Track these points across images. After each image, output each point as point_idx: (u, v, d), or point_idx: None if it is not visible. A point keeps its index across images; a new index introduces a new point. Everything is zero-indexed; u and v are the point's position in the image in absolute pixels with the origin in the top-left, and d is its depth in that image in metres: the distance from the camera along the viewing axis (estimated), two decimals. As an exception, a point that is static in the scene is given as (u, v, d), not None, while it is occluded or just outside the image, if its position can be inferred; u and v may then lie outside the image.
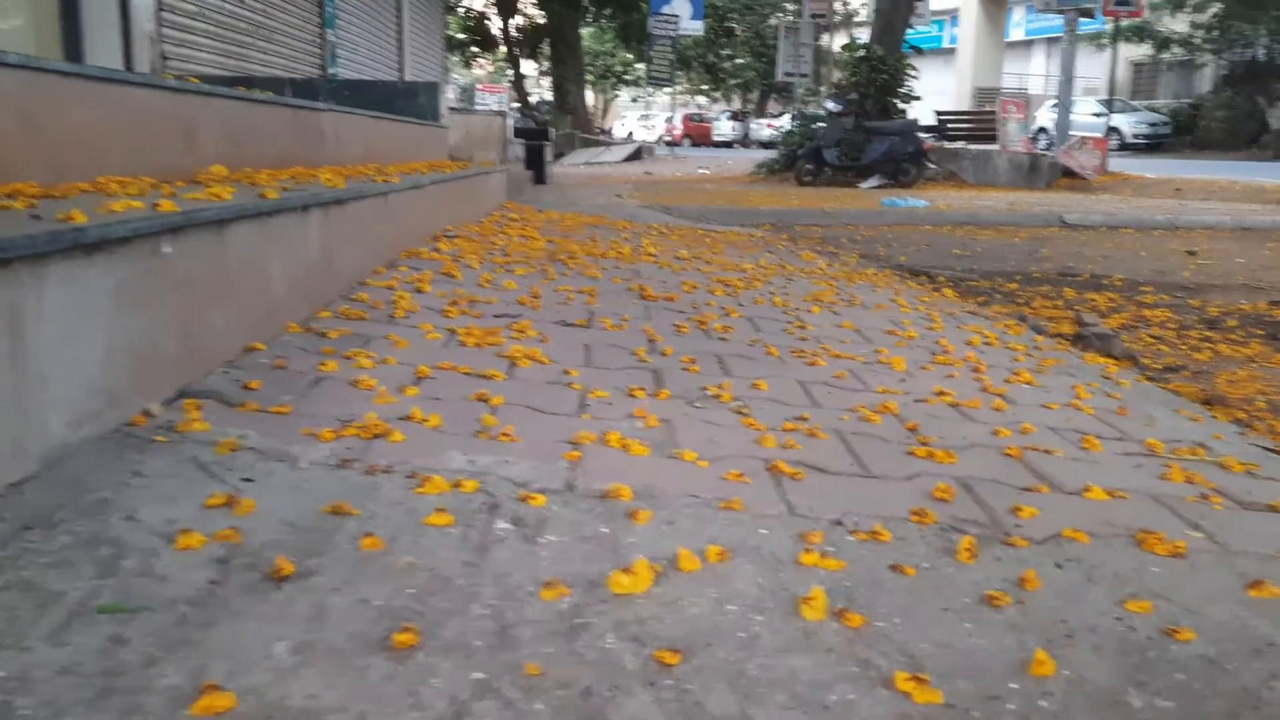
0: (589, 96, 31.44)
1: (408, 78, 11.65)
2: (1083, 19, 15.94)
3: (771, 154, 17.67)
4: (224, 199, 1.72)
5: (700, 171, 19.11)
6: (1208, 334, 3.87)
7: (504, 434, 1.53)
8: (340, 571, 1.09)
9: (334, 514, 1.20)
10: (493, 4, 25.70)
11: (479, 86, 36.21)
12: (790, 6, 29.64)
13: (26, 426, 1.12)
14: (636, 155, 22.65)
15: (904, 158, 14.61)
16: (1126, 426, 1.97)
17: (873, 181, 14.31)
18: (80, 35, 5.04)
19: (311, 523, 1.18)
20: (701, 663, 1.02)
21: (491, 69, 39.79)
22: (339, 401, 1.59)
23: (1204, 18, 24.29)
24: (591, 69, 35.34)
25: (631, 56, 33.65)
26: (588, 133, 24.57)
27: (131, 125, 2.13)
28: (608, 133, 32.48)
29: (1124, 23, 20.48)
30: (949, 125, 18.10)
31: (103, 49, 5.07)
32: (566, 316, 2.52)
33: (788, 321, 2.81)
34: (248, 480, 1.25)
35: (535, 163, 12.36)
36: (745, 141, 33.74)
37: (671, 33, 20.39)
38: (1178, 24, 24.83)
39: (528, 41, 27.22)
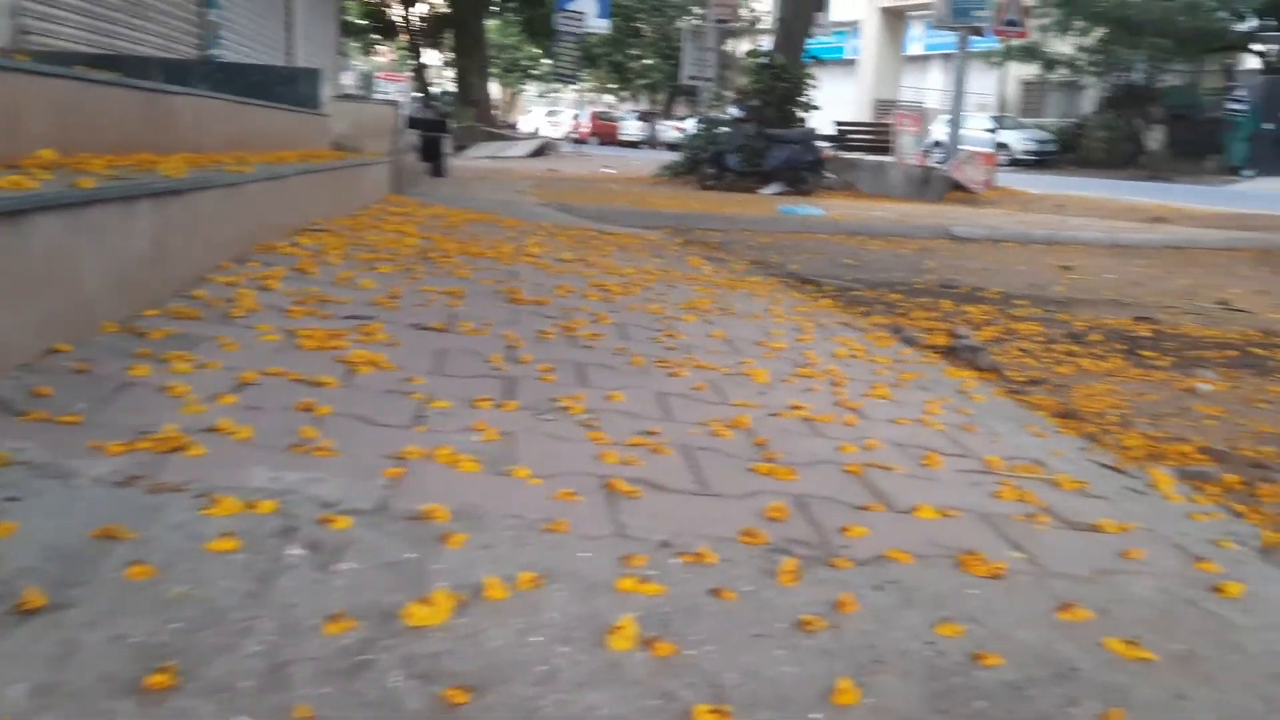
0: (494, 90, 31.07)
1: (296, 61, 11.31)
2: (975, 37, 16.39)
3: (676, 156, 17.73)
4: (26, 187, 1.59)
5: (605, 170, 19.06)
6: (1072, 348, 3.97)
7: (321, 448, 1.44)
8: (100, 604, 1.00)
9: (105, 538, 1.10)
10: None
11: (379, 75, 35.48)
12: (697, 10, 29.79)
13: None
14: (541, 151, 22.48)
15: (803, 166, 14.83)
16: (970, 443, 1.98)
17: (773, 188, 14.48)
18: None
19: (77, 548, 1.08)
20: (493, 700, 0.95)
21: (394, 57, 39.04)
22: (141, 410, 1.48)
23: (1088, 41, 25.29)
24: (497, 61, 34.97)
25: (539, 51, 33.40)
26: (492, 126, 24.29)
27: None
28: (513, 127, 32.16)
29: (1014, 43, 21.16)
30: (848, 135, 18.42)
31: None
32: (424, 319, 2.42)
33: (659, 330, 2.77)
34: (12, 499, 1.14)
35: (433, 154, 12.12)
36: (652, 142, 33.77)
37: (577, 29, 20.28)
38: (1065, 46, 25.80)
39: (430, 31, 26.76)
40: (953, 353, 3.75)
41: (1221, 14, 22.26)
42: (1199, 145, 22.85)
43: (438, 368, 2.04)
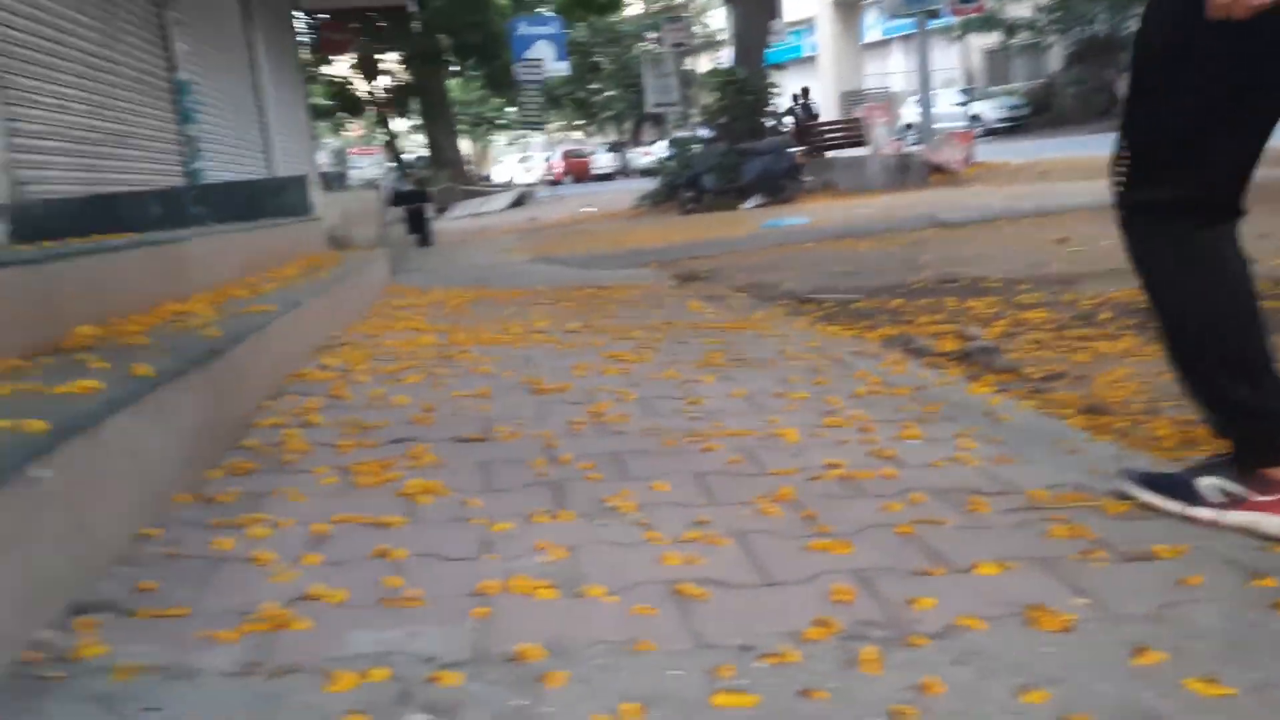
0: (465, 145, 31.35)
1: (275, 157, 11.48)
2: (932, 19, 16.57)
3: (651, 183, 17.83)
4: (96, 390, 1.69)
5: (584, 210, 19.21)
6: (1084, 331, 4.03)
7: (409, 597, 1.53)
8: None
9: (243, 737, 1.19)
10: (354, 69, 25.51)
11: (351, 151, 35.83)
12: (651, 35, 30.05)
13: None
14: (520, 201, 22.69)
15: (779, 175, 14.97)
16: (1009, 475, 2.06)
17: (752, 201, 14.60)
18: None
19: (221, 752, 1.17)
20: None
21: (362, 131, 39.44)
22: (237, 588, 1.57)
23: (1045, 1, 25.47)
24: (463, 118, 35.28)
25: (502, 101, 33.74)
26: (468, 184, 24.51)
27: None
28: (487, 179, 32.43)
29: (971, 16, 21.32)
30: (820, 135, 18.59)
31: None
32: (461, 430, 2.52)
33: (680, 398, 2.86)
34: (153, 710, 1.23)
35: (418, 225, 12.30)
36: (625, 171, 34.06)
37: (537, 77, 20.52)
38: (1023, 9, 25.99)
39: (395, 101, 27.09)
40: (966, 357, 3.83)
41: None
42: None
43: (487, 484, 2.13)
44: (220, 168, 9.17)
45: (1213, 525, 1.79)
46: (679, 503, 1.97)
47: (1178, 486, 1.88)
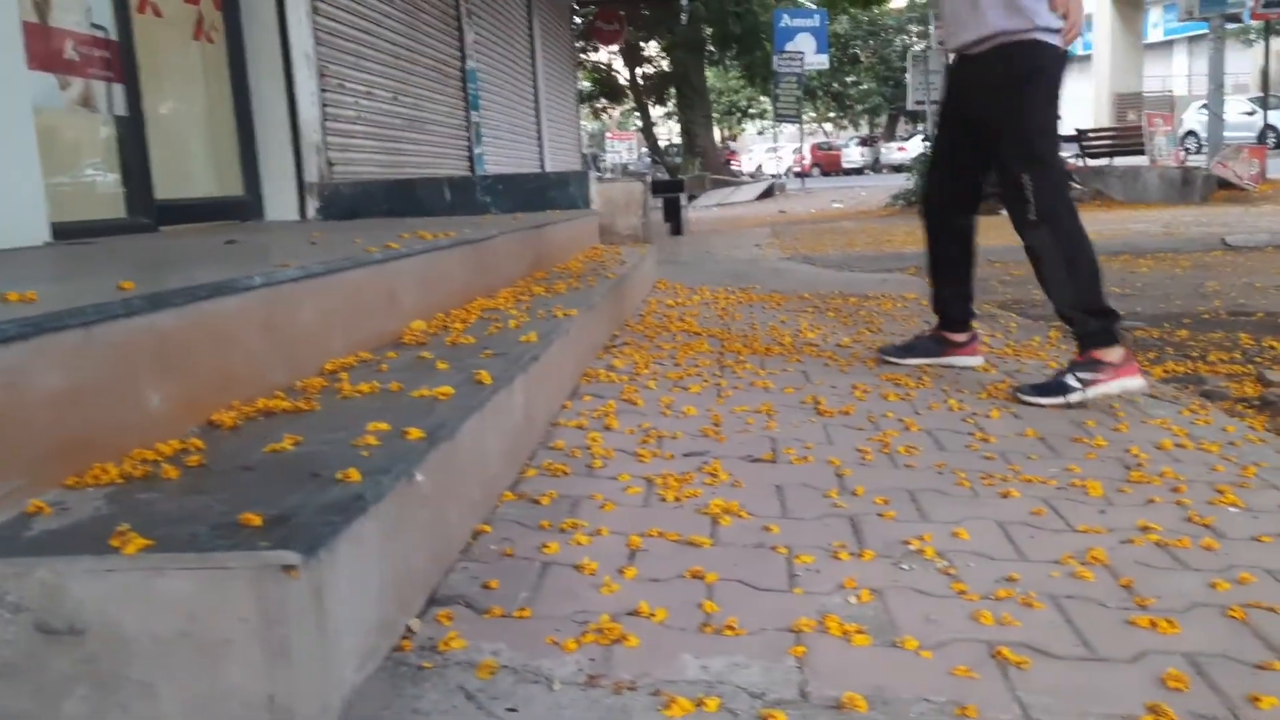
0: (715, 133, 31.66)
1: (545, 142, 12.01)
2: (1231, 22, 15.22)
3: (903, 179, 17.35)
4: (450, 396, 1.87)
5: (834, 206, 18.98)
6: (1400, 386, 3.66)
7: (728, 626, 1.60)
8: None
9: (598, 749, 1.29)
10: (619, 55, 26.26)
11: (608, 135, 36.92)
12: (914, 29, 29.19)
13: (329, 683, 1.25)
14: (769, 193, 22.67)
15: (1047, 181, 14.18)
16: (1352, 565, 1.90)
17: (1015, 208, 13.92)
18: (255, 146, 5.43)
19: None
20: None
21: (620, 116, 40.61)
22: (569, 595, 1.70)
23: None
24: (718, 105, 35.59)
25: (755, 90, 33.76)
26: (718, 173, 24.74)
27: (348, 305, 2.32)
28: (738, 167, 32.64)
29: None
30: (1091, 143, 17.51)
31: (276, 163, 5.44)
32: (751, 450, 2.58)
33: (968, 432, 2.81)
34: (512, 710, 1.35)
35: (673, 214, 12.60)
36: (875, 167, 33.27)
37: (797, 70, 20.39)
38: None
39: (654, 89, 27.69)
40: (1268, 406, 3.56)
41: None
42: None
43: (783, 510, 2.18)
44: (497, 153, 9.72)
45: (1082, 405, 3.08)
46: (983, 553, 1.95)
47: (1053, 388, 3.12)
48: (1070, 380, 3.09)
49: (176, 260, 2.68)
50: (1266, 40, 16.51)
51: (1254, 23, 21.62)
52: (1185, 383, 3.86)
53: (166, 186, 4.50)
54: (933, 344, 3.68)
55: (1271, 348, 4.57)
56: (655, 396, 3.01)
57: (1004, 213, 3.25)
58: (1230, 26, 17.84)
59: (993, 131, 3.19)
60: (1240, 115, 23.11)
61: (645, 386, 3.11)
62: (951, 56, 3.46)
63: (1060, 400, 3.07)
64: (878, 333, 4.45)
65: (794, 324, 4.65)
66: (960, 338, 3.65)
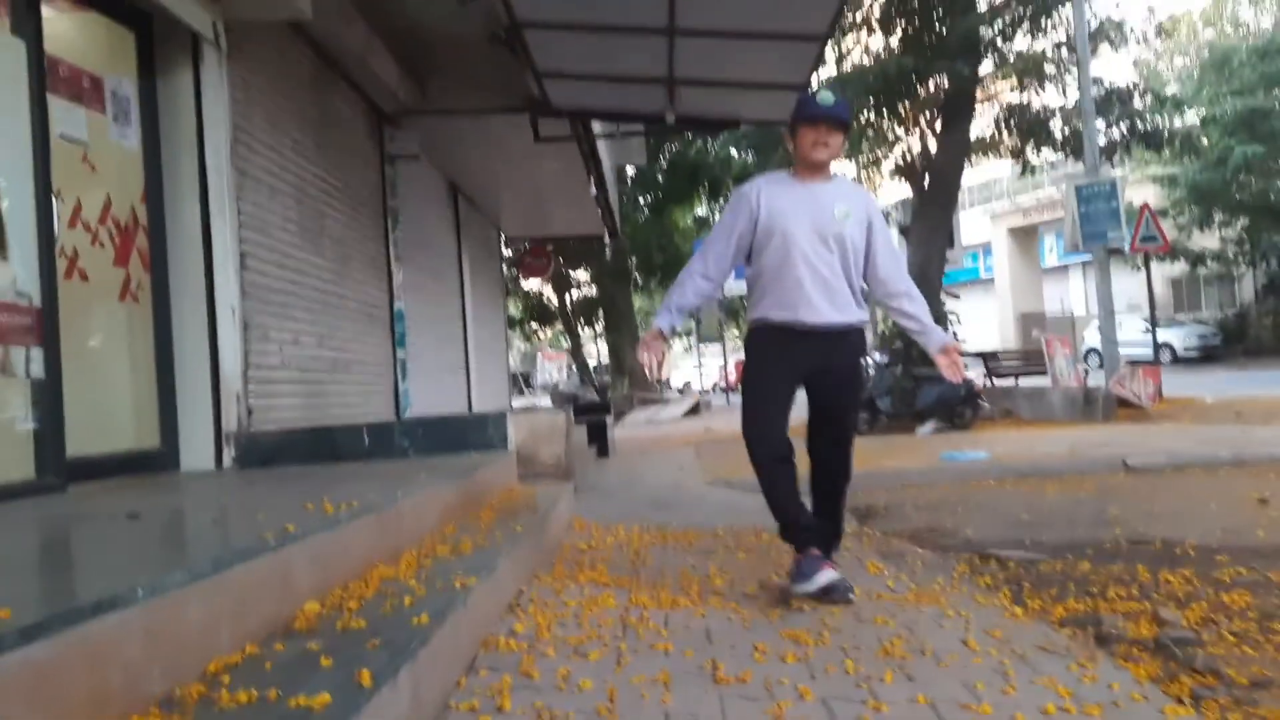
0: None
1: (473, 373, 12.24)
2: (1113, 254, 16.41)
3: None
4: (327, 705, 1.88)
5: (758, 425, 19.32)
6: (1292, 625, 3.79)
7: None
8: None
9: None
10: (548, 284, 27.33)
11: (541, 355, 37.83)
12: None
13: None
14: (694, 410, 23.16)
15: (957, 401, 14.86)
16: None
17: (928, 427, 14.49)
18: (175, 399, 5.46)
19: None
20: None
21: (550, 335, 41.82)
22: None
23: (1232, 233, 24.91)
24: (644, 327, 36.83)
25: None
26: (645, 392, 25.30)
27: (237, 600, 2.33)
28: (665, 384, 33.48)
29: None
30: (1000, 364, 18.47)
31: (194, 414, 5.48)
32: (644, 725, 2.59)
33: (860, 700, 2.84)
34: None
35: (598, 436, 12.82)
36: (801, 382, 34.37)
37: (718, 296, 21.33)
38: (1209, 240, 25.46)
39: (583, 312, 28.69)
40: (1162, 650, 3.64)
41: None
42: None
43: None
44: (424, 387, 9.87)
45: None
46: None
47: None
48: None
49: (68, 546, 2.67)
50: (1147, 268, 17.84)
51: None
52: (1083, 623, 3.95)
53: (80, 442, 4.51)
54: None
55: (1167, 581, 4.72)
56: (553, 667, 3.01)
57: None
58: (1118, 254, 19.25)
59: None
60: (1140, 333, 24.50)
61: (544, 655, 3.11)
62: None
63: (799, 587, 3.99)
64: (784, 577, 4.53)
65: (703, 568, 4.71)
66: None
